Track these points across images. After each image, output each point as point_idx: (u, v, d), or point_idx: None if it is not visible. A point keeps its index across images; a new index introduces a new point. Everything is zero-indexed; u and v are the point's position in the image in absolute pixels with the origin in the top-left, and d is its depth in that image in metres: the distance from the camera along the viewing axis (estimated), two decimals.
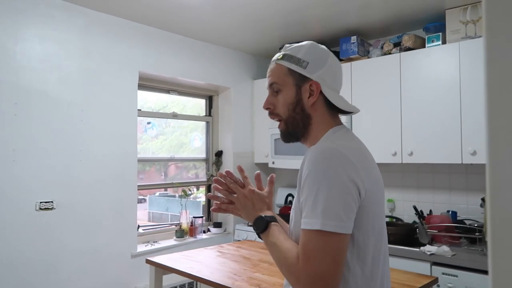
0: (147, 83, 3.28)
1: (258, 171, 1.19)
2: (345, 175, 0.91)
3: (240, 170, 1.15)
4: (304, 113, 1.07)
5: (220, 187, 1.13)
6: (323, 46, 1.12)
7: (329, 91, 1.07)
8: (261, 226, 1.04)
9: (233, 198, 1.12)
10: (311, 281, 0.87)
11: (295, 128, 1.09)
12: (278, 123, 1.14)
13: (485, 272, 2.22)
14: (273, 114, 1.13)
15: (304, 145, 1.14)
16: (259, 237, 1.06)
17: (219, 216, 3.81)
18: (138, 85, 3.05)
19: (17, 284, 2.36)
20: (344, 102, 1.10)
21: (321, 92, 1.06)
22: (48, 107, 2.53)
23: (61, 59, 2.61)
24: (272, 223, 1.04)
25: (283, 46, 1.14)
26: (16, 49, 2.42)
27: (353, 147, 1.00)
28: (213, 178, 1.16)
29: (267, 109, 1.13)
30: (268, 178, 1.17)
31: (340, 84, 1.14)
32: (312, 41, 1.12)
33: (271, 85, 1.11)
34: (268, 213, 1.08)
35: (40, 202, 2.47)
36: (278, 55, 1.11)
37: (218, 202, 1.14)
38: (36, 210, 2.45)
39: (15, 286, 2.35)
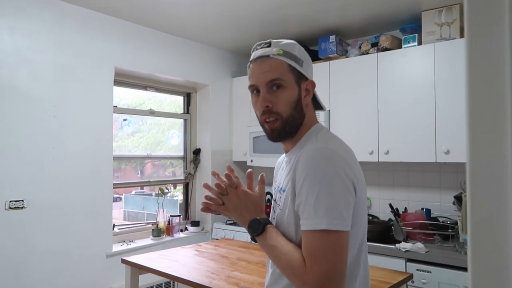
0: (123, 79, 3.20)
1: (251, 170, 1.15)
2: (343, 173, 0.93)
3: (230, 170, 1.09)
4: (302, 112, 1.06)
5: (211, 187, 1.08)
6: None
7: (315, 90, 1.11)
8: (258, 228, 1.01)
9: (224, 198, 1.06)
10: (320, 281, 0.87)
11: (293, 127, 1.06)
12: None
13: (457, 268, 2.28)
14: (271, 113, 1.03)
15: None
16: (253, 239, 1.04)
17: (196, 215, 3.78)
18: (114, 81, 2.98)
19: None
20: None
21: None
22: (18, 103, 2.44)
23: (32, 52, 2.52)
24: (269, 225, 1.02)
25: (268, 41, 1.07)
26: None
27: (343, 147, 1.02)
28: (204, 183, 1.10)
29: (265, 107, 1.04)
30: (259, 177, 1.11)
31: None
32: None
33: (271, 81, 1.03)
34: (261, 216, 1.05)
35: (10, 201, 2.37)
36: (275, 50, 1.04)
37: (210, 203, 1.07)
38: (5, 209, 2.35)
39: None
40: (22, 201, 2.42)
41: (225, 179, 1.07)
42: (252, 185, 1.12)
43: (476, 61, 0.48)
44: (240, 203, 1.05)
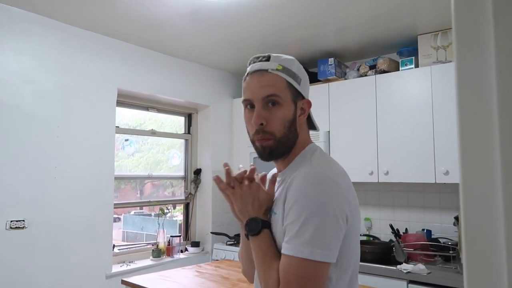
0: (125, 100, 3.25)
1: (264, 172, 1.07)
2: (336, 205, 0.89)
3: (253, 168, 1.06)
4: (295, 132, 1.02)
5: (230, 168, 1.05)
6: None
7: (310, 110, 1.07)
8: (255, 229, 0.98)
9: (237, 184, 1.02)
10: None
11: (286, 147, 1.01)
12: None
13: None
14: (265, 132, 0.99)
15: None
16: (247, 237, 1.01)
17: (197, 236, 3.76)
18: (117, 102, 3.03)
19: None
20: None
21: None
22: (22, 122, 2.47)
23: (37, 73, 2.57)
24: (265, 230, 0.98)
25: (267, 55, 1.03)
26: None
27: (339, 170, 0.99)
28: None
29: (260, 125, 0.99)
30: (271, 177, 1.05)
31: None
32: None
33: (268, 97, 0.98)
34: (263, 217, 1.00)
35: (11, 221, 2.37)
36: (274, 65, 1.00)
37: (222, 180, 1.04)
38: (6, 229, 2.35)
39: None
40: (23, 221, 2.43)
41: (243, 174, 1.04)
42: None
43: (465, 84, 0.51)
44: (248, 195, 1.01)
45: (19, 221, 2.41)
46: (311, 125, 1.12)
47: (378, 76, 2.99)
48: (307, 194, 0.90)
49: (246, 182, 1.02)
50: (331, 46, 3.21)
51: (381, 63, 3.05)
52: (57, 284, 2.56)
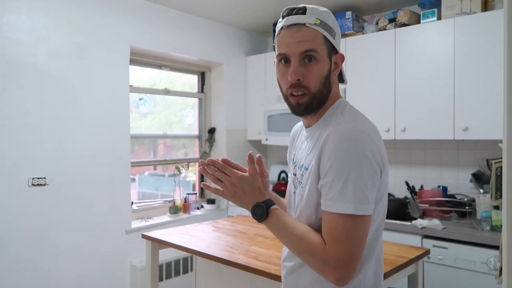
0: (138, 58, 3.21)
1: (252, 153, 1.04)
2: (372, 157, 0.92)
3: (207, 162, 1.05)
4: (329, 87, 1.02)
5: (209, 172, 1.03)
6: None
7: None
8: (262, 214, 0.98)
9: (220, 185, 1.03)
10: (342, 264, 0.88)
11: (320, 102, 1.01)
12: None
13: (474, 244, 2.29)
14: (301, 86, 0.98)
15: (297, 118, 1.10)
16: (260, 223, 1.02)
17: (212, 193, 3.82)
18: (130, 60, 2.99)
19: (11, 260, 2.35)
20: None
21: None
22: (37, 81, 2.47)
23: (50, 31, 2.53)
24: (272, 207, 0.99)
25: (303, 6, 0.99)
26: (3, 20, 2.34)
27: (371, 125, 1.00)
28: (200, 161, 1.06)
29: (297, 80, 0.97)
30: (247, 157, 1.03)
31: None
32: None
33: (305, 52, 0.96)
34: (262, 197, 1.00)
35: (33, 178, 2.43)
36: (312, 19, 0.96)
37: (209, 187, 1.04)
38: (28, 186, 2.42)
39: (9, 263, 2.34)
40: (44, 178, 2.48)
41: (216, 168, 1.02)
42: (262, 169, 1.08)
43: None
44: (236, 191, 1.00)
45: (40, 178, 2.47)
46: (340, 79, 1.11)
47: (398, 29, 2.87)
48: (344, 150, 0.91)
49: (226, 180, 1.00)
50: None
51: (401, 16, 2.92)
52: (79, 238, 2.66)
